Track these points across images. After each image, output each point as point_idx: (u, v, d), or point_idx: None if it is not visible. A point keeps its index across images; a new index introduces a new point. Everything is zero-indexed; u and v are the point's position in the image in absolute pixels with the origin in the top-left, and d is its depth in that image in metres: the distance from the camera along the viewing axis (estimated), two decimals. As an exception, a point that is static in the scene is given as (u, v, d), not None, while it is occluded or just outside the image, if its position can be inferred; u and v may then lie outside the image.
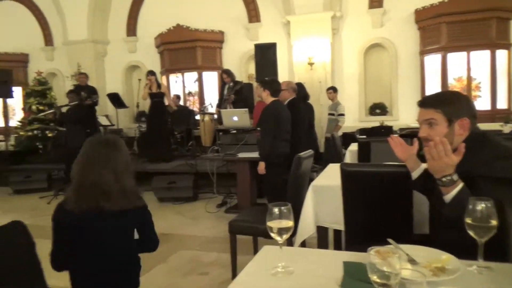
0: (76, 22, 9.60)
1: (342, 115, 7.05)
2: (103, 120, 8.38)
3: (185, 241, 4.14)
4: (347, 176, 2.07)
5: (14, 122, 9.14)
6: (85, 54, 9.68)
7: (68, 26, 9.74)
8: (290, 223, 1.17)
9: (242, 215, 3.11)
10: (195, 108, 8.62)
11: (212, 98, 8.29)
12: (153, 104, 7.40)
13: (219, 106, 7.07)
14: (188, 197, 5.71)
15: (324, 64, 8.08)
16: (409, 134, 5.93)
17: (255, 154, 4.82)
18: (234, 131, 5.68)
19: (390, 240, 1.25)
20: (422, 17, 7.92)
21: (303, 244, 2.54)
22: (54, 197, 6.22)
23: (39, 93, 8.13)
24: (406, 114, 8.11)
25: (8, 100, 8.72)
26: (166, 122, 7.35)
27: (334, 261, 1.25)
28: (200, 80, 8.71)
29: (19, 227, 1.25)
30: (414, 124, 7.55)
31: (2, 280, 1.14)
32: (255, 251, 3.35)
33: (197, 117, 8.23)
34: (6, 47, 10.50)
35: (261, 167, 3.95)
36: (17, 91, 9.45)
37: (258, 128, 4.02)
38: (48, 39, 10.56)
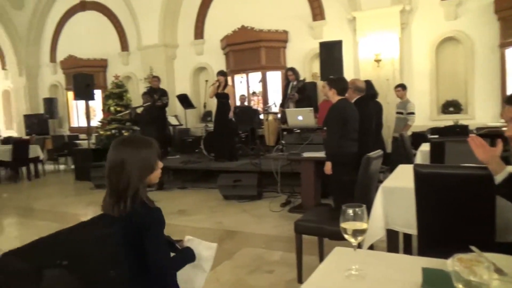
0: (148, 28, 10.22)
1: (412, 113, 6.70)
2: (172, 120, 8.82)
3: (250, 239, 4.21)
4: (422, 178, 1.96)
5: (95, 122, 9.93)
6: (157, 58, 10.26)
7: (142, 32, 10.39)
8: (364, 225, 1.14)
9: (308, 215, 3.09)
10: (259, 107, 8.72)
11: (275, 97, 8.34)
12: (219, 105, 7.62)
13: (283, 105, 7.09)
14: (253, 195, 5.79)
15: (392, 61, 7.75)
16: (487, 134, 5.50)
17: (320, 154, 4.77)
18: (298, 131, 5.67)
19: (473, 248, 1.17)
20: (503, 6, 7.25)
21: (371, 248, 2.46)
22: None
23: (116, 95, 8.74)
24: (483, 113, 7.50)
25: (90, 102, 9.52)
26: (231, 122, 7.51)
27: (410, 266, 1.20)
28: (264, 80, 8.80)
29: (108, 219, 1.34)
30: (492, 123, 6.98)
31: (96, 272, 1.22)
32: (320, 252, 3.31)
33: (261, 116, 8.32)
34: (89, 54, 11.48)
35: (328, 167, 3.89)
36: (98, 94, 10.29)
37: (324, 128, 3.96)
38: (124, 45, 11.35)
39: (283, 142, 6.61)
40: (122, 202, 1.44)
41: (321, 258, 3.31)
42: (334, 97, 3.87)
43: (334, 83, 3.87)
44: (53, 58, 12.81)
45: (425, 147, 4.36)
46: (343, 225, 1.15)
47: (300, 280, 2.98)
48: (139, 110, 7.29)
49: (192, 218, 5.13)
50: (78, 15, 12.07)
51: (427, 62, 7.99)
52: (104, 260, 1.24)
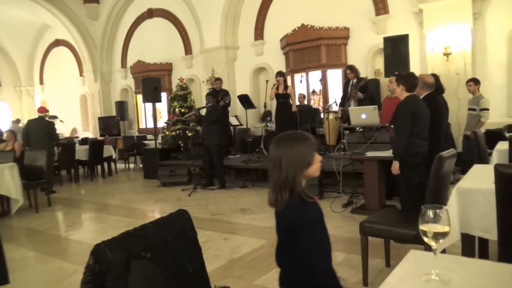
0: (211, 31, 10.53)
1: (486, 109, 6.20)
2: (233, 120, 8.99)
3: (313, 239, 4.16)
4: (504, 179, 1.81)
5: (161, 124, 10.43)
6: (218, 60, 10.54)
7: (204, 35, 10.74)
8: (446, 228, 1.07)
9: (374, 216, 3.00)
10: (319, 106, 8.60)
11: (336, 96, 8.17)
12: (279, 105, 7.65)
13: (343, 105, 6.92)
14: (314, 195, 5.71)
15: (463, 54, 7.23)
16: None
17: (385, 153, 4.60)
18: (361, 129, 5.51)
19: None
20: None
21: (443, 252, 2.32)
22: (193, 190, 6.93)
23: (181, 97, 9.08)
24: None
25: (157, 104, 10.01)
26: (292, 122, 7.48)
27: (497, 273, 1.11)
28: (324, 78, 8.67)
29: (186, 215, 1.40)
30: None
31: (179, 264, 1.27)
32: (387, 255, 3.20)
33: (321, 115, 8.21)
34: (156, 59, 12.10)
35: (395, 166, 3.73)
36: (164, 96, 10.77)
37: (392, 126, 3.81)
38: (187, 49, 11.79)
39: (344, 141, 6.48)
40: (280, 196, 1.52)
41: (388, 261, 3.19)
42: (403, 94, 3.70)
43: (403, 79, 3.70)
44: (124, 64, 13.66)
45: (502, 145, 4.05)
46: (423, 227, 1.09)
47: (365, 283, 2.90)
48: (202, 111, 7.52)
49: (255, 217, 5.20)
50: (146, 22, 12.74)
51: (504, 53, 7.36)
52: (183, 254, 1.29)
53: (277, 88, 7.52)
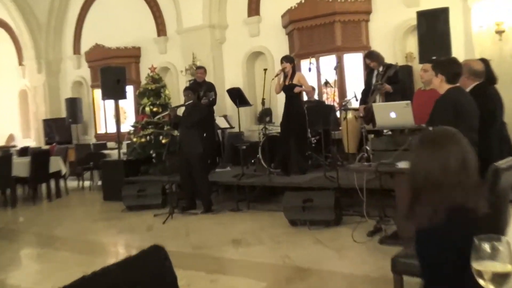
0: (191, 5, 10.52)
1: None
2: (221, 122, 8.96)
3: (329, 280, 4.16)
4: None
5: (126, 127, 10.37)
6: (201, 42, 10.51)
7: (183, 11, 10.72)
8: (509, 267, 1.04)
9: (410, 249, 2.96)
10: (334, 102, 8.58)
11: (356, 88, 8.17)
12: (288, 100, 7.59)
13: (365, 100, 6.91)
14: (329, 220, 5.70)
15: (521, 32, 7.28)
16: None
17: (422, 164, 4.57)
18: (390, 132, 5.49)
19: None
20: None
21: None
22: (169, 215, 6.85)
23: (152, 92, 9.01)
24: None
25: (120, 102, 9.93)
26: (304, 122, 7.44)
27: None
28: (340, 65, 8.66)
29: (162, 254, 1.36)
30: None
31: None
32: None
33: (337, 114, 8.20)
34: (119, 42, 12.04)
35: (435, 181, 3.70)
36: (130, 91, 10.64)
37: (430, 128, 3.79)
38: (161, 29, 11.78)
39: (368, 148, 6.45)
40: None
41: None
42: (443, 86, 3.70)
43: (442, 67, 3.70)
44: (76, 50, 13.67)
45: None
46: (477, 266, 1.06)
47: (400, 337, 2.86)
48: (180, 111, 7.47)
49: (250, 251, 5.16)
50: (105, -4, 12.76)
51: None
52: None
53: (284, 79, 7.48)
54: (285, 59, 7.63)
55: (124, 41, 12.09)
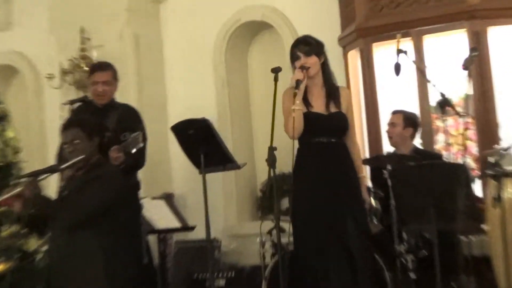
0: None
1: None
2: (157, 214, 4.82)
3: None
4: None
5: None
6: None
7: None
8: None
9: None
10: (466, 157, 4.23)
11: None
12: (326, 150, 4.26)
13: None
14: None
15: None
16: None
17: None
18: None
19: None
20: None
21: None
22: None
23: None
24: None
25: None
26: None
27: None
28: (481, 54, 4.04)
29: None
30: None
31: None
32: None
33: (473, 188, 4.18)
34: None
35: None
36: None
37: None
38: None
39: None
40: None
41: None
42: None
43: None
44: None
45: None
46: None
47: None
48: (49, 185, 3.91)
49: None
50: None
51: None
52: None
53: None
54: (311, 47, 3.61)
55: None
